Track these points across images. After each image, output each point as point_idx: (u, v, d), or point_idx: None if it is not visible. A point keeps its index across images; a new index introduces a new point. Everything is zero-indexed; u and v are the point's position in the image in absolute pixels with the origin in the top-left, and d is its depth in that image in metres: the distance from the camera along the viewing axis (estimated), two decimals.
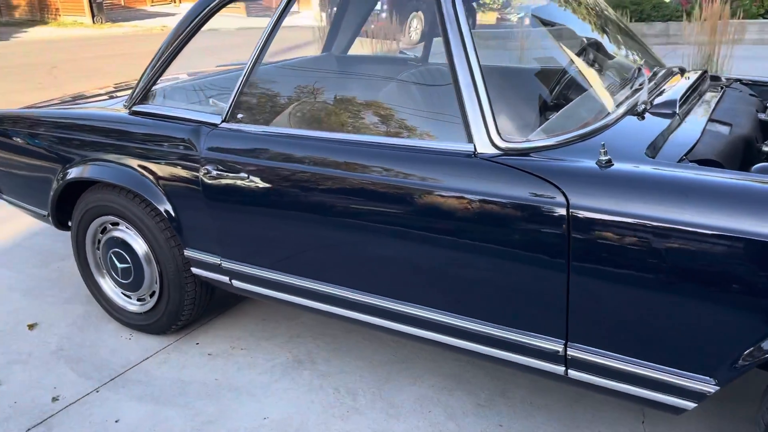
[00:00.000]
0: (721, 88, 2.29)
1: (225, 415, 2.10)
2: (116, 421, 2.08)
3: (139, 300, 2.54)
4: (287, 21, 2.08)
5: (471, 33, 1.77)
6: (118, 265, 2.48)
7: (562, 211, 1.55)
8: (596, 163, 1.58)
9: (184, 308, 2.41)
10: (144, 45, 13.53)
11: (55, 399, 2.20)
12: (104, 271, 2.59)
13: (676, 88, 2.05)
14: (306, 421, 2.07)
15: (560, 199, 1.56)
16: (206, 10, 2.17)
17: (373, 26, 14.27)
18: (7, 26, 22.41)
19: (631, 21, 11.40)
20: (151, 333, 2.55)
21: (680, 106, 1.89)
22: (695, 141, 1.71)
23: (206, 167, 2.09)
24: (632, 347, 1.58)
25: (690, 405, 1.54)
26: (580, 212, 1.53)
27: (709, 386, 1.50)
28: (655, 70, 2.24)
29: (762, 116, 2.06)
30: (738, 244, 1.38)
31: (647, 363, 1.57)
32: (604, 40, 2.39)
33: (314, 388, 2.23)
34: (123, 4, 26.95)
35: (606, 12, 2.52)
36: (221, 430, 2.03)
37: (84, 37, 18.18)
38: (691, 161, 1.62)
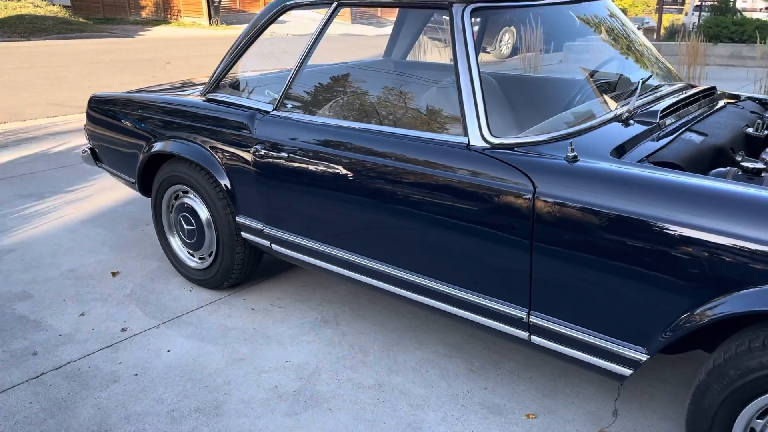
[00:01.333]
0: (726, 104, 2.46)
1: (255, 356, 2.50)
2: (168, 351, 2.53)
3: (200, 258, 2.99)
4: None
5: (474, 46, 2.08)
6: (185, 227, 2.95)
7: (529, 197, 1.83)
8: (564, 159, 1.84)
9: (235, 267, 2.84)
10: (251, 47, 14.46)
11: (123, 330, 2.68)
12: (174, 232, 3.07)
13: (671, 101, 2.25)
14: (320, 367, 2.43)
15: (529, 186, 1.84)
16: (262, 22, 2.61)
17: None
18: (134, 24, 24.30)
19: (732, 42, 11.05)
20: (208, 287, 2.99)
21: (665, 117, 2.10)
22: (662, 146, 1.93)
23: (256, 147, 2.51)
24: (582, 317, 1.83)
25: (626, 372, 1.78)
26: (544, 198, 1.81)
27: (640, 354, 1.73)
28: (659, 84, 2.44)
29: (749, 131, 2.22)
30: (670, 232, 1.61)
31: (593, 332, 1.82)
32: (621, 59, 2.62)
33: (333, 343, 2.58)
34: (238, 7, 28.59)
35: (629, 33, 2.73)
36: (249, 366, 2.43)
37: (199, 37, 19.48)
38: (650, 162, 1.85)
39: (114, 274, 3.18)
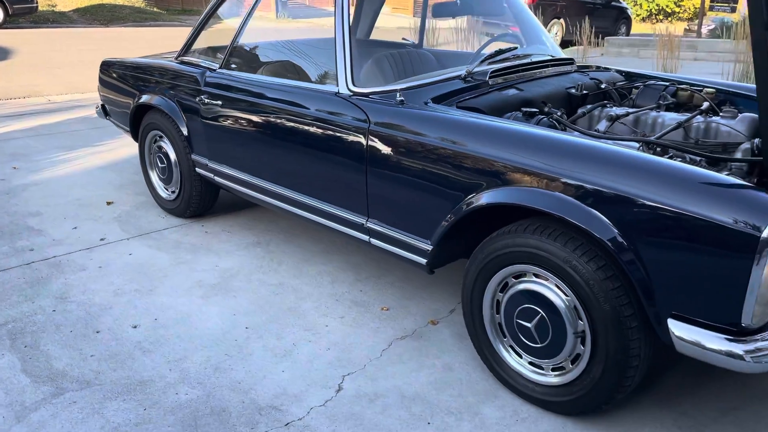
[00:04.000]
0: (575, 71, 2.96)
1: (194, 261, 3.19)
2: (129, 254, 3.25)
3: (171, 191, 3.71)
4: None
5: (349, 19, 2.67)
6: (159, 165, 3.67)
7: (365, 130, 2.43)
8: (394, 103, 2.42)
9: (193, 198, 3.54)
10: (306, 34, 15.32)
11: (102, 239, 3.42)
12: (153, 169, 3.81)
13: (514, 64, 2.78)
14: (240, 270, 3.09)
15: (366, 122, 2.43)
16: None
17: (511, 30, 14.77)
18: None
19: None
20: (176, 215, 3.71)
21: (497, 76, 2.64)
22: (476, 96, 2.48)
23: (201, 96, 3.19)
24: (396, 220, 2.41)
25: (422, 260, 2.35)
26: (373, 131, 2.40)
27: (427, 245, 2.30)
28: (517, 52, 2.96)
29: (572, 91, 2.72)
30: (449, 153, 2.17)
31: (403, 231, 2.39)
32: (503, 36, 3.16)
33: (258, 257, 3.24)
34: (307, 3, 29.67)
35: (519, 13, 3.25)
36: (186, 267, 3.12)
37: (263, 28, 20.38)
38: (458, 107, 2.40)
39: (109, 203, 3.95)
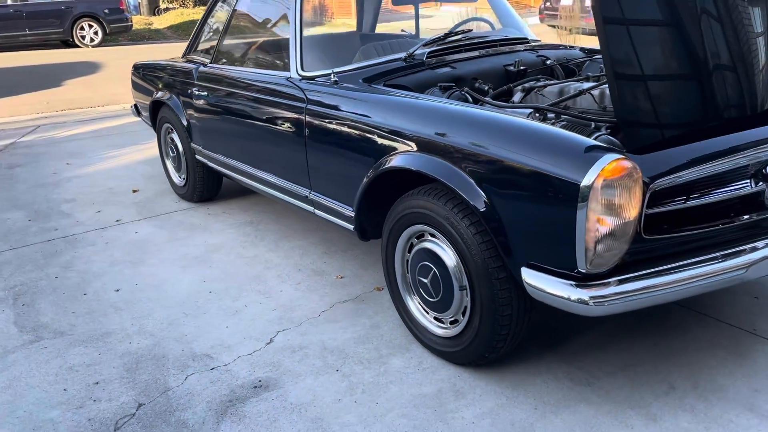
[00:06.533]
0: (524, 49, 3.04)
1: (189, 237, 3.53)
2: (136, 232, 3.64)
3: (182, 178, 4.09)
4: None
5: (302, 13, 2.91)
6: (171, 154, 4.06)
7: (303, 109, 2.66)
8: (329, 84, 2.64)
9: (197, 183, 3.89)
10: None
11: (117, 221, 3.84)
12: (168, 158, 4.20)
13: (458, 46, 2.91)
14: (225, 244, 3.40)
15: (303, 102, 2.67)
16: (210, 5, 3.63)
17: (559, 15, 14.46)
18: None
19: None
20: (186, 200, 4.09)
21: (434, 57, 2.79)
22: (406, 75, 2.65)
23: (193, 89, 3.53)
24: (330, 191, 2.63)
25: (350, 226, 2.55)
26: (310, 109, 2.63)
27: (350, 211, 2.50)
28: (465, 34, 3.08)
29: (510, 68, 2.82)
30: (361, 125, 2.37)
31: (335, 200, 2.61)
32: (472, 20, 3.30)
33: (246, 234, 3.54)
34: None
35: None
36: (178, 243, 3.46)
37: None
38: (386, 85, 2.58)
39: (134, 191, 4.39)
